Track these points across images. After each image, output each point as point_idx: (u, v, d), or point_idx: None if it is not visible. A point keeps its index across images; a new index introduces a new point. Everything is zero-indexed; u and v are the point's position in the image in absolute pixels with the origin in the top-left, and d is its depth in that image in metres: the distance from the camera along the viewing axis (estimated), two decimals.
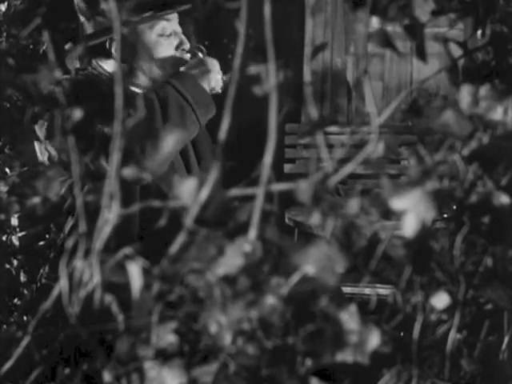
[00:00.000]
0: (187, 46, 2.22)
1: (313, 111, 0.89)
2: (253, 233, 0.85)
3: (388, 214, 0.88)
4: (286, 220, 3.30)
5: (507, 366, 1.06)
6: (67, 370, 1.03)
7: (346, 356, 0.85)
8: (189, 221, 0.84)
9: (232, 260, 0.83)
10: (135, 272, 0.87)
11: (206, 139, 2.33)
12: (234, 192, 0.85)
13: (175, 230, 0.86)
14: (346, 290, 2.58)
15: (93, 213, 0.90)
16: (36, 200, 0.97)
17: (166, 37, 2.18)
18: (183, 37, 2.22)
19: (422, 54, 0.96)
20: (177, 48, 2.21)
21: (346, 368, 0.89)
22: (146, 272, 0.86)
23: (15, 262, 2.22)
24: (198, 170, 2.25)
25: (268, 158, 0.85)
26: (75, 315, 0.90)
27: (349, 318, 0.85)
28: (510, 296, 1.00)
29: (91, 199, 0.91)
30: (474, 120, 0.94)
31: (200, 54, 2.23)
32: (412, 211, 0.86)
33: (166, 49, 2.19)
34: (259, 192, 0.85)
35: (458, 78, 1.03)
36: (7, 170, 1.80)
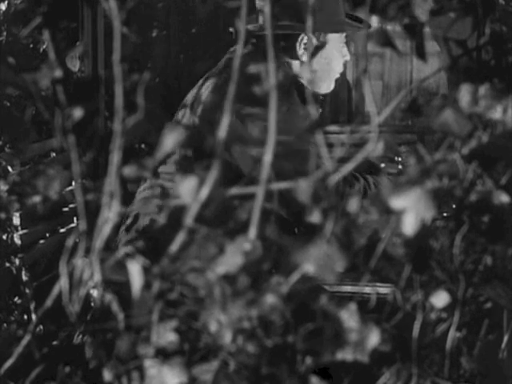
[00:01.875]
0: (348, 57, 2.36)
1: (313, 111, 0.90)
2: (253, 232, 0.85)
3: (388, 212, 0.88)
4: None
5: (506, 364, 1.06)
6: (67, 369, 1.03)
7: (345, 354, 0.85)
8: (189, 219, 0.84)
9: (232, 259, 0.83)
10: (135, 271, 0.87)
11: None
12: (234, 191, 0.86)
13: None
14: (346, 288, 2.58)
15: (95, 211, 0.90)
16: (36, 199, 0.97)
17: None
18: (346, 49, 2.37)
19: (421, 53, 0.96)
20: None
21: (346, 366, 0.89)
22: (147, 271, 0.87)
23: (17, 261, 2.22)
24: None
25: (268, 157, 0.85)
26: (75, 313, 0.90)
27: (349, 317, 0.85)
28: (509, 294, 1.00)
29: (92, 198, 0.91)
30: (474, 119, 0.94)
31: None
32: (412, 210, 0.86)
33: (340, 58, 2.35)
34: (259, 191, 0.85)
35: (457, 78, 1.03)
36: (9, 168, 1.80)
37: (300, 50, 2.26)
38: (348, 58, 2.36)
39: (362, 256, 0.94)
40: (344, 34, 2.33)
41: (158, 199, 2.13)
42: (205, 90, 2.19)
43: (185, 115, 2.21)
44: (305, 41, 2.25)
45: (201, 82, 2.27)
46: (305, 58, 2.27)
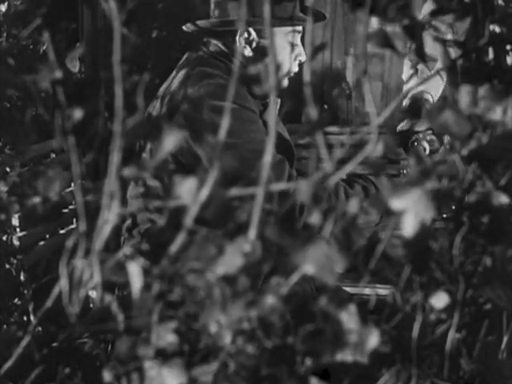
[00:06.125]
0: (303, 58, 2.25)
1: (312, 111, 0.90)
2: (252, 232, 0.85)
3: (387, 213, 0.88)
4: None
5: (506, 365, 1.06)
6: (67, 370, 1.03)
7: (345, 356, 0.85)
8: (188, 220, 0.84)
9: (232, 260, 0.83)
10: (135, 272, 0.87)
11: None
12: (234, 192, 0.86)
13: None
14: (346, 289, 2.58)
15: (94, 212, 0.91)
16: (36, 200, 0.97)
17: (291, 45, 2.23)
18: (302, 49, 2.26)
19: (421, 55, 0.96)
20: (294, 58, 2.25)
21: (346, 367, 0.89)
22: (146, 272, 0.87)
23: (15, 262, 2.22)
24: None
25: (268, 158, 0.85)
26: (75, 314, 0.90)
27: (348, 318, 0.85)
28: (508, 295, 1.00)
29: (92, 199, 0.91)
30: (473, 120, 0.94)
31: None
32: (411, 211, 0.86)
33: (286, 56, 2.23)
34: (259, 192, 0.85)
35: (457, 79, 1.03)
36: (7, 169, 1.80)
37: (241, 46, 2.20)
38: (303, 58, 2.25)
39: (362, 257, 0.94)
40: (291, 30, 2.21)
41: (143, 198, 2.13)
42: (175, 81, 2.18)
43: (155, 107, 2.20)
44: (245, 35, 2.19)
45: (173, 74, 2.25)
46: (247, 53, 2.21)
